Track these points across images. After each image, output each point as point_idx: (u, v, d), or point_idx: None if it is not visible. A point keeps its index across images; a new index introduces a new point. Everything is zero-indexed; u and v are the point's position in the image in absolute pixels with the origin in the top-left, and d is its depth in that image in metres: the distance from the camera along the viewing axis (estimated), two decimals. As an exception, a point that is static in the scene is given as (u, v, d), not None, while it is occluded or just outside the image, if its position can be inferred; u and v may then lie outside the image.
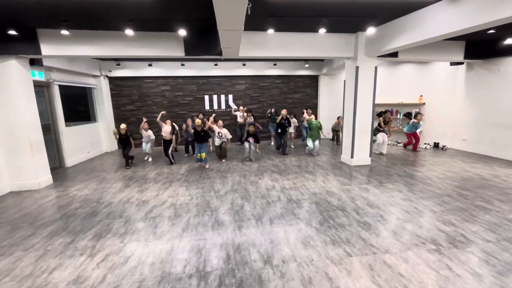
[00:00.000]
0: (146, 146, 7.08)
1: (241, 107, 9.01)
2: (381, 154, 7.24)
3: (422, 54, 6.15)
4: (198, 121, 5.91)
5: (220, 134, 6.86)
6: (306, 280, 2.30)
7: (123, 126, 6.37)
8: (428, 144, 8.12)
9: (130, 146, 6.47)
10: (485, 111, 6.89)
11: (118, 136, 6.40)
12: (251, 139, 6.65)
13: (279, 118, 7.27)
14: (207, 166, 6.22)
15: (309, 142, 7.27)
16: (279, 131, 7.39)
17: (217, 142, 6.99)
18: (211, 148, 6.49)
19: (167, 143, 6.75)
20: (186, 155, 7.76)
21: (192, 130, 6.31)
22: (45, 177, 5.24)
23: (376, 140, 7.26)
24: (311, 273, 2.40)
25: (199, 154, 6.04)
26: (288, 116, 7.50)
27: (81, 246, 2.96)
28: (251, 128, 6.70)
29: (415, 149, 7.73)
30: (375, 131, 7.12)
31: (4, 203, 4.41)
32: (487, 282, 2.23)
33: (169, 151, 6.70)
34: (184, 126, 7.56)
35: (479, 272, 2.36)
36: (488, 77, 6.81)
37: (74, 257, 2.76)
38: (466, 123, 7.42)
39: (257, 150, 6.68)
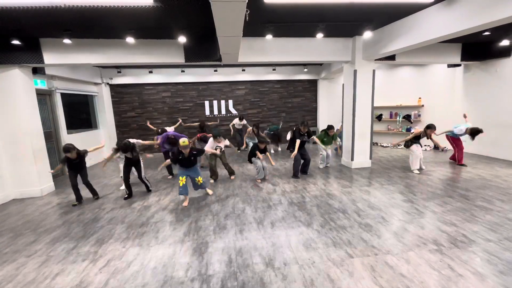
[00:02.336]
0: None
1: (249, 128, 7.82)
2: (420, 169, 5.70)
3: (419, 57, 6.21)
4: (184, 140, 4.13)
5: (218, 147, 5.33)
6: (308, 282, 2.31)
7: (69, 153, 4.22)
8: (428, 145, 8.14)
9: (84, 169, 4.64)
10: (484, 112, 6.92)
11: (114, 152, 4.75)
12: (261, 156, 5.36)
13: (303, 130, 5.42)
14: (210, 192, 4.72)
15: (323, 150, 6.21)
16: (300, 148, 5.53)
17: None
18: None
19: (134, 162, 4.79)
20: (170, 177, 6.02)
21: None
22: (47, 184, 5.27)
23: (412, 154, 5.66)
24: (313, 275, 2.40)
25: (182, 179, 4.24)
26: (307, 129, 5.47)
27: (84, 252, 2.97)
28: (262, 146, 5.36)
29: (454, 159, 6.29)
30: (409, 142, 5.71)
31: (7, 210, 4.43)
32: (489, 282, 2.22)
33: (143, 174, 4.91)
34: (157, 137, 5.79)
35: (481, 271, 2.36)
36: (485, 78, 6.86)
37: (76, 262, 2.77)
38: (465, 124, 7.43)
39: (271, 162, 5.38)
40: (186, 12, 3.78)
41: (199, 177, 4.42)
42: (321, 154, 6.28)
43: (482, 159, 6.58)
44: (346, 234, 3.10)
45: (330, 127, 6.19)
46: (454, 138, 6.09)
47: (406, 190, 4.54)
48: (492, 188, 4.48)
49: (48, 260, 2.84)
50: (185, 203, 4.28)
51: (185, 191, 4.28)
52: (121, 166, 5.08)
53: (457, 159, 6.14)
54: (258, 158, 5.37)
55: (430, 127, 5.48)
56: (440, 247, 2.76)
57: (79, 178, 4.57)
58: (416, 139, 5.67)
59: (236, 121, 8.65)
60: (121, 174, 5.05)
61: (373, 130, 6.21)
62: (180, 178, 4.26)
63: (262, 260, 2.65)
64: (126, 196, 4.71)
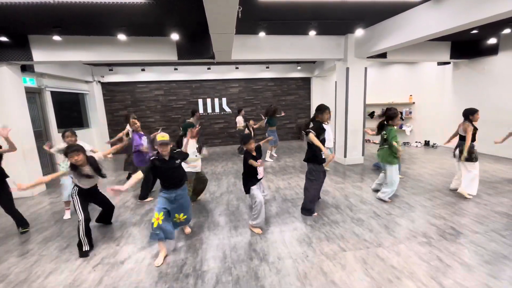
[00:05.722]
0: None
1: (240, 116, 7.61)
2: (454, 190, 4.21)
3: (410, 55, 6.32)
4: (164, 135, 2.66)
5: (199, 151, 3.82)
6: (302, 275, 2.35)
7: None
8: (419, 142, 8.29)
9: (8, 192, 3.29)
10: (472, 108, 7.08)
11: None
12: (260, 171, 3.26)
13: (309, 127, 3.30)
14: (187, 230, 3.20)
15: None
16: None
17: (189, 168, 3.61)
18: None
19: (91, 193, 3.16)
20: (139, 202, 4.30)
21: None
22: (38, 184, 5.18)
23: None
24: (306, 268, 2.45)
25: (159, 216, 2.59)
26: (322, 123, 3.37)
27: (77, 250, 2.94)
28: (251, 145, 3.18)
29: None
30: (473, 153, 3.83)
31: (-4, 211, 4.34)
32: (475, 271, 2.30)
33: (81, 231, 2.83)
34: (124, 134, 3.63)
35: (468, 262, 2.44)
36: (474, 76, 7.02)
37: (69, 261, 2.75)
38: (454, 121, 7.56)
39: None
40: (178, 8, 3.75)
41: (183, 215, 2.85)
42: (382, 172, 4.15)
43: (471, 154, 6.73)
44: (339, 229, 3.16)
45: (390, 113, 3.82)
46: None
47: (398, 185, 4.61)
48: (480, 182, 4.59)
49: (40, 260, 2.81)
50: (160, 260, 2.60)
51: (163, 234, 2.61)
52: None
53: None
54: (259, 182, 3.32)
55: (475, 111, 3.97)
56: (429, 239, 2.84)
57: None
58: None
59: (239, 119, 7.69)
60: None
61: (365, 127, 6.28)
62: (156, 215, 2.59)
63: (257, 255, 2.68)
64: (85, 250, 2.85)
